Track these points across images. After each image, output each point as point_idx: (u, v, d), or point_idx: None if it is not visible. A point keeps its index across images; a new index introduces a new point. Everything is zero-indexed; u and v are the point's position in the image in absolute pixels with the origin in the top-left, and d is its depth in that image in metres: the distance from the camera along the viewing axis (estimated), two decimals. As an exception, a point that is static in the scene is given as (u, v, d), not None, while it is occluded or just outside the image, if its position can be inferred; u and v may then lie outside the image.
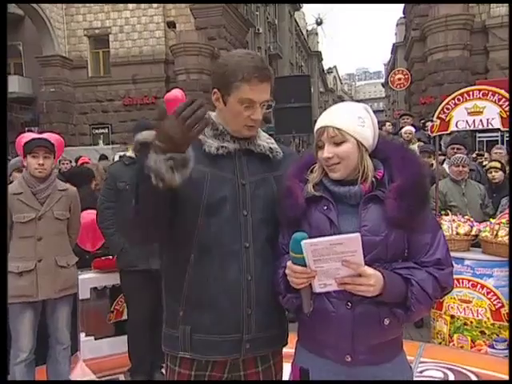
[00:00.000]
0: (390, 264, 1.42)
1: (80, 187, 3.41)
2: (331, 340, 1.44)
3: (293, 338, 1.67)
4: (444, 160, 6.00)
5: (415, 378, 3.23)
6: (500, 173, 5.15)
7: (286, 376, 1.70)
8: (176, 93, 4.89)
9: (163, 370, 3.41)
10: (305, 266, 1.35)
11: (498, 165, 5.25)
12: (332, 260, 1.32)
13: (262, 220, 1.58)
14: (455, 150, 5.36)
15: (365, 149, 1.47)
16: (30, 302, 2.89)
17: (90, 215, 3.47)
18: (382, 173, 1.48)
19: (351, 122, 1.45)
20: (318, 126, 1.50)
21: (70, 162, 8.60)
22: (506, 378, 2.94)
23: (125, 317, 3.67)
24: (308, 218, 1.48)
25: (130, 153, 3.47)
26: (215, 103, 1.61)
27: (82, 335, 3.71)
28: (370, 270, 1.33)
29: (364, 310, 1.39)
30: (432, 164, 5.44)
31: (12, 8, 18.35)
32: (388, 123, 9.28)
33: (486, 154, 7.08)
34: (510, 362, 3.08)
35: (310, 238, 1.34)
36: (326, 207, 1.47)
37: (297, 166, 1.58)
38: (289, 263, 1.39)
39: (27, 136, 3.32)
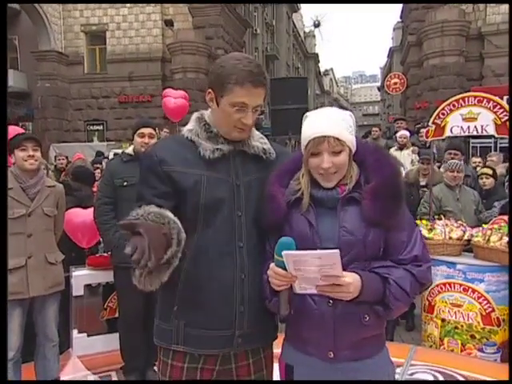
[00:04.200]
0: (368, 263, 1.46)
1: (86, 185, 3.42)
2: (314, 337, 1.49)
3: (281, 338, 1.70)
4: (440, 165, 6.03)
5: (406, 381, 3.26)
6: (491, 180, 5.20)
7: (276, 376, 1.73)
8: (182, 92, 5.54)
9: (155, 368, 3.44)
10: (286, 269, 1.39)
11: (490, 171, 5.30)
12: (312, 271, 1.35)
13: (256, 220, 1.61)
14: (452, 156, 5.39)
15: (352, 155, 1.52)
16: (20, 299, 2.86)
17: (91, 212, 3.50)
18: (359, 175, 1.52)
19: (347, 130, 1.49)
20: (315, 133, 1.48)
21: (67, 158, 8.58)
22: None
23: (118, 314, 3.66)
24: (289, 221, 1.52)
25: (128, 150, 3.46)
26: (209, 103, 1.63)
27: (75, 332, 3.69)
28: (348, 279, 1.37)
29: (345, 307, 1.44)
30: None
31: (9, 2, 18.23)
32: (375, 129, 9.22)
33: (479, 159, 7.14)
34: (510, 362, 3.11)
35: (295, 242, 1.38)
36: (305, 209, 1.51)
37: (279, 172, 1.61)
38: (272, 265, 1.43)
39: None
